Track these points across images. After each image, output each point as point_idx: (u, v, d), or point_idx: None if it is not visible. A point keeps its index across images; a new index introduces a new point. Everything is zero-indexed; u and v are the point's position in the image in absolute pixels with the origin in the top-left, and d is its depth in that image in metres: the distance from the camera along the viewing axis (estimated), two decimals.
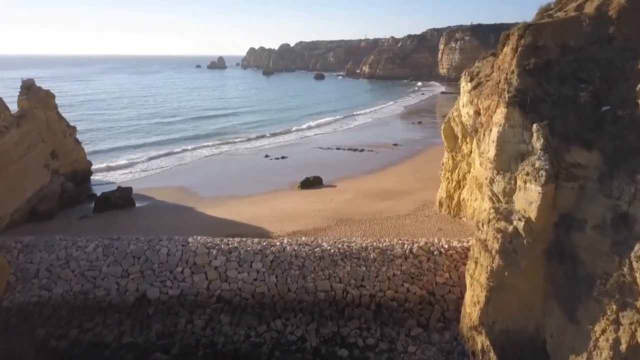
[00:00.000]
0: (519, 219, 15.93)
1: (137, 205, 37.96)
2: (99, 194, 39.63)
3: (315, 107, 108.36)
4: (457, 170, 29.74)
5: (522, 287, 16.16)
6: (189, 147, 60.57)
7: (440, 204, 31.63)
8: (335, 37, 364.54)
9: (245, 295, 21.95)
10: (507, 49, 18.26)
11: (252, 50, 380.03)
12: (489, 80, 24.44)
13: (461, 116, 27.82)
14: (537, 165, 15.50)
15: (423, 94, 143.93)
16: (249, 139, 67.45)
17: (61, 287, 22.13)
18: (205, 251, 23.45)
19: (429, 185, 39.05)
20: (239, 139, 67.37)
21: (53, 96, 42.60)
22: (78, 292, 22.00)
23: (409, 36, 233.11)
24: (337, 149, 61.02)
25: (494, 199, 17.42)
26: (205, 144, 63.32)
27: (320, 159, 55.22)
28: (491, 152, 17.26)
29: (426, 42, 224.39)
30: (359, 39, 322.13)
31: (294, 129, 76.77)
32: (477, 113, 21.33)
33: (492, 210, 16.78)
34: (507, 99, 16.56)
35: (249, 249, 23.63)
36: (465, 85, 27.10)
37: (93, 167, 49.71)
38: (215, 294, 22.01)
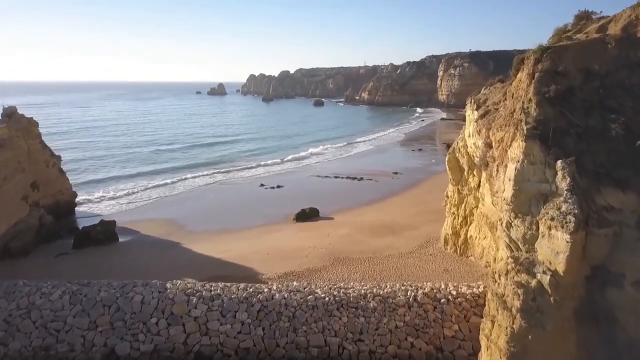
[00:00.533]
0: (544, 272, 13.53)
1: (120, 240, 35.50)
2: (84, 226, 37.44)
3: (314, 134, 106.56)
4: (463, 205, 27.42)
5: (549, 354, 13.63)
6: (183, 177, 58.20)
7: (446, 241, 29.17)
8: (334, 64, 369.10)
9: (228, 351, 19.32)
10: (522, 75, 16.22)
11: (252, 77, 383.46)
12: (498, 109, 22.42)
13: (467, 147, 25.69)
14: (563, 208, 13.21)
15: (423, 120, 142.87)
16: (245, 168, 65.15)
17: (19, 342, 19.51)
18: (184, 299, 20.90)
19: (432, 218, 36.70)
20: (234, 168, 65.09)
21: (36, 124, 40.61)
22: (38, 347, 19.38)
23: (408, 63, 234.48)
24: (336, 177, 58.82)
25: (512, 247, 15.05)
26: (200, 173, 60.95)
27: (317, 188, 52.98)
28: (507, 191, 14.98)
29: (425, 69, 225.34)
30: (358, 66, 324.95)
31: (291, 156, 74.75)
32: (488, 145, 19.19)
33: (510, 260, 14.38)
34: (525, 132, 14.39)
35: (233, 296, 21.08)
36: (471, 114, 25.07)
37: (81, 198, 47.53)
38: (194, 350, 19.39)
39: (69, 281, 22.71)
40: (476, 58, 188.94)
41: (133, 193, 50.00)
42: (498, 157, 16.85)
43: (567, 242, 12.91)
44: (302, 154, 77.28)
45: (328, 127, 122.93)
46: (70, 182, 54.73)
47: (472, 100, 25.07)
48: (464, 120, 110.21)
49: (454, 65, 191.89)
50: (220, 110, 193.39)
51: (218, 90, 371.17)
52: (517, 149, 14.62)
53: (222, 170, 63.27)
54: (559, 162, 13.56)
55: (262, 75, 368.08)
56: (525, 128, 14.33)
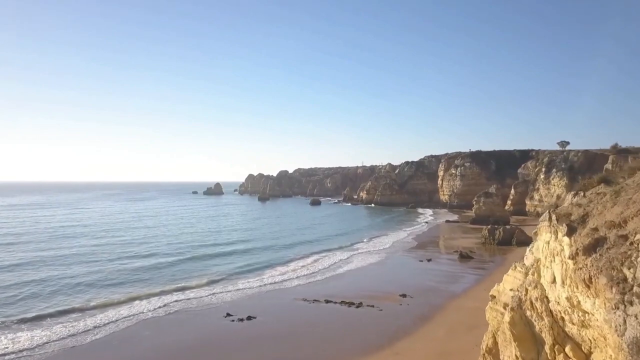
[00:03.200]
0: None
1: None
2: None
3: (306, 241, 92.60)
4: None
5: None
6: (133, 310, 43.54)
7: None
8: (332, 164, 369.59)
9: None
10: None
11: (250, 176, 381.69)
12: (622, 236, 11.11)
13: (548, 301, 13.89)
14: None
15: (427, 222, 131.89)
16: (213, 291, 50.71)
17: None
18: None
19: None
20: (204, 291, 51.12)
21: None
22: None
23: (407, 163, 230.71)
24: (327, 301, 45.84)
25: None
26: (158, 302, 46.09)
27: (301, 320, 39.89)
28: None
29: (424, 169, 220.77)
30: (355, 166, 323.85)
31: (276, 270, 61.51)
32: None
33: None
34: None
35: None
36: (553, 242, 13.65)
37: None
38: None
39: None
40: (477, 158, 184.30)
41: (47, 342, 35.33)
42: None
43: None
44: (289, 268, 64.06)
45: (323, 232, 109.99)
46: None
47: (556, 217, 13.70)
48: (471, 222, 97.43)
49: (455, 165, 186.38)
50: (213, 213, 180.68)
51: (215, 190, 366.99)
52: None
53: (186, 293, 49.89)
54: None
55: (260, 175, 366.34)
56: None
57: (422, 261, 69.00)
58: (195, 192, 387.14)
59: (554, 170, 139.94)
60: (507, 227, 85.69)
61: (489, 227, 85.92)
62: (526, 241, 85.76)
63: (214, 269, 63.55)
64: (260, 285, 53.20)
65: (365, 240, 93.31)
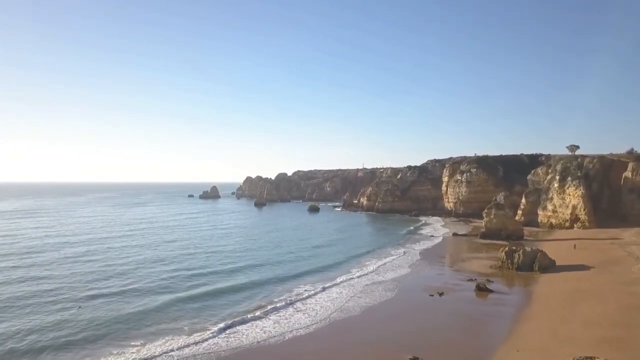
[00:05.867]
0: None
1: None
2: None
3: (300, 273, 76.45)
4: None
5: None
6: None
7: None
8: (332, 166, 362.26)
9: None
10: None
11: (248, 179, 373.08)
12: None
13: None
14: None
15: (432, 236, 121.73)
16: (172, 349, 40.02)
17: None
18: None
19: None
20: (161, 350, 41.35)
21: None
22: None
23: (409, 167, 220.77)
24: None
25: None
26: None
27: None
28: None
29: (428, 174, 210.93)
30: (356, 169, 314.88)
31: (257, 313, 51.09)
32: None
33: None
34: None
35: None
36: None
37: None
38: None
39: None
40: (484, 163, 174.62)
41: None
42: None
43: None
44: (277, 305, 53.95)
45: (322, 257, 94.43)
46: None
47: None
48: (481, 237, 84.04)
49: (460, 171, 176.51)
50: (205, 226, 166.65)
51: (211, 194, 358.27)
52: None
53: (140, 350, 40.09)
54: None
55: (259, 178, 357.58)
56: None
57: (432, 295, 59.06)
58: (191, 196, 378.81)
59: (569, 178, 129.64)
60: (527, 249, 75.55)
61: (507, 249, 75.87)
62: (550, 266, 75.43)
63: (180, 320, 49.96)
64: (226, 349, 40.47)
65: (364, 261, 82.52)
